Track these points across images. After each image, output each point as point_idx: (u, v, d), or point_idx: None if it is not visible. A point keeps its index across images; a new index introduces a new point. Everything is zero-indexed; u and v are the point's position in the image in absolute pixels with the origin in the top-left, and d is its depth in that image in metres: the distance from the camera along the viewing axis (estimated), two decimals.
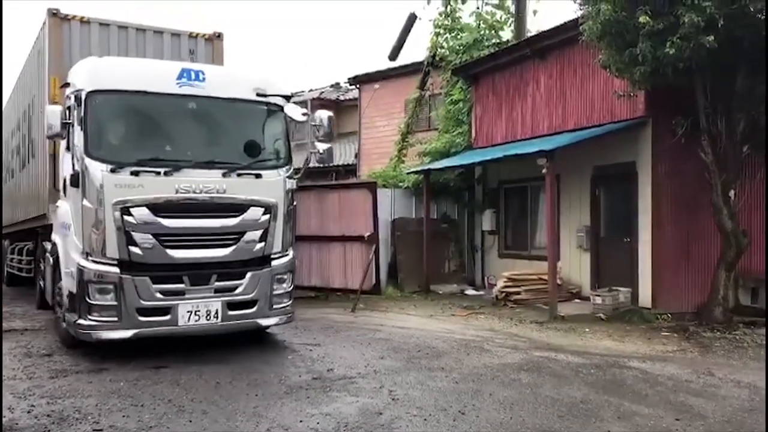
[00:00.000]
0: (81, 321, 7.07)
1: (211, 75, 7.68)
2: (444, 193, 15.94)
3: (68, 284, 7.44)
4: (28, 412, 5.53)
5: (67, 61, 8.76)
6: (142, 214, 6.99)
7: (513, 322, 10.76)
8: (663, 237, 11.37)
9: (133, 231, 6.99)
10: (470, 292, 14.66)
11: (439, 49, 18.30)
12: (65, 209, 7.75)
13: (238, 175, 7.52)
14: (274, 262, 7.82)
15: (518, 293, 12.53)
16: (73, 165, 7.15)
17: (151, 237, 7.06)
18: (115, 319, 7.00)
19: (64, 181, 7.67)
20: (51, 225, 8.90)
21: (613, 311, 11.17)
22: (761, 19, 8.99)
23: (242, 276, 7.58)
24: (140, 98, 7.37)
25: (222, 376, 6.73)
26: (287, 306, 8.03)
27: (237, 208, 7.45)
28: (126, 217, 6.95)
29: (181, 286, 7.28)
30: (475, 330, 10.07)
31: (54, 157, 8.96)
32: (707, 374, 7.26)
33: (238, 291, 7.56)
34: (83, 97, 7.14)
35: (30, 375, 6.79)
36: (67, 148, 7.54)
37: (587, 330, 10.09)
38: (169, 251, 7.15)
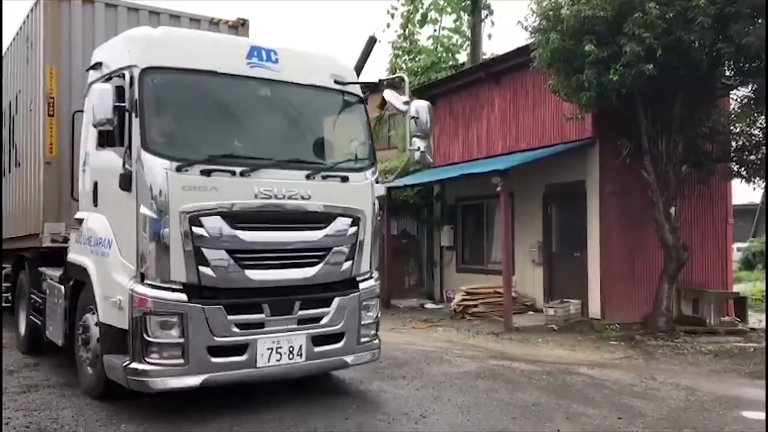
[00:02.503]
0: (135, 365, 5.42)
1: (284, 56, 6.17)
2: (403, 210, 16.45)
3: (110, 316, 5.77)
4: (6, 424, 5.69)
5: (65, 48, 7.43)
6: (215, 224, 5.52)
7: (470, 334, 11.23)
8: (610, 252, 12.03)
9: (204, 246, 5.49)
10: (430, 305, 15.12)
11: (397, 71, 18.90)
12: (99, 222, 6.08)
13: (323, 177, 6.11)
14: (361, 285, 6.37)
15: (476, 306, 13.02)
16: (124, 163, 5.53)
17: (225, 254, 5.57)
18: (181, 361, 5.43)
19: (95, 187, 6.18)
20: (45, 248, 7.41)
21: (565, 322, 11.75)
22: (695, 47, 9.75)
23: (328, 303, 6.13)
24: (207, 80, 5.85)
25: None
26: (375, 339, 6.56)
27: (323, 218, 6.07)
28: (196, 229, 5.46)
29: (261, 316, 5.77)
30: (434, 342, 10.50)
31: (54, 164, 7.38)
32: (649, 378, 7.82)
33: (324, 321, 6.08)
34: (136, 76, 5.57)
35: (2, 390, 6.89)
36: (100, 144, 6.06)
37: (540, 340, 10.63)
38: (248, 272, 5.67)
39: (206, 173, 5.51)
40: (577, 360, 9.03)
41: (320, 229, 6.04)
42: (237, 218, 5.61)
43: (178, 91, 5.83)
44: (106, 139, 5.95)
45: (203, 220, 5.47)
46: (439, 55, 19.19)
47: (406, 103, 6.49)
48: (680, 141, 10.97)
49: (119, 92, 5.60)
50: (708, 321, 12.06)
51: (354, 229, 6.22)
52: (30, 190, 8.04)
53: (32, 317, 8.32)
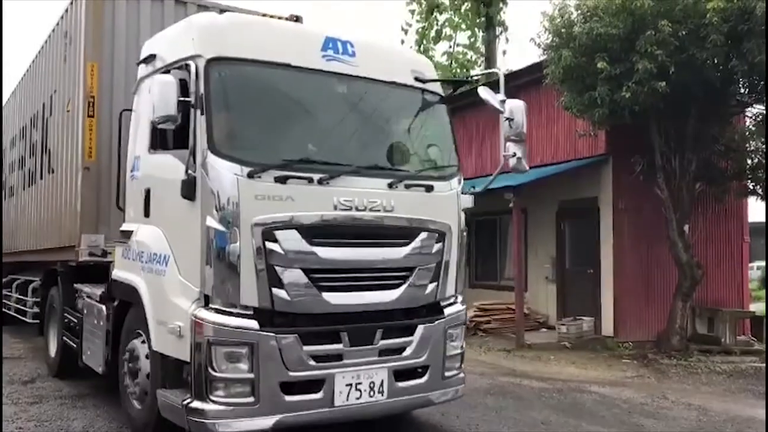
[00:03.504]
0: (198, 404, 4.61)
1: (361, 49, 5.45)
2: None
3: (165, 345, 4.96)
4: None
5: (108, 44, 6.81)
6: (291, 239, 4.76)
7: (482, 350, 11.18)
8: (624, 269, 11.96)
9: (278, 265, 4.70)
10: None
11: None
12: (153, 235, 5.29)
13: (407, 186, 5.33)
14: (446, 311, 5.54)
15: (488, 322, 12.97)
16: (187, 167, 4.77)
17: (302, 274, 4.78)
18: (251, 399, 4.63)
19: (147, 195, 5.42)
20: (82, 262, 6.70)
21: (578, 340, 11.67)
22: (708, 65, 9.74)
23: (411, 331, 5.30)
24: (280, 74, 5.11)
25: None
26: (460, 373, 5.69)
27: (407, 233, 5.29)
28: (270, 245, 4.68)
29: (339, 346, 4.95)
30: None
31: (93, 170, 6.72)
32: (661, 398, 7.75)
33: (407, 353, 5.27)
34: (201, 67, 4.82)
35: (15, 401, 6.98)
36: (154, 147, 5.39)
37: (552, 357, 10.56)
38: (325, 295, 4.88)
39: (281, 180, 4.74)
40: (588, 378, 8.96)
41: (403, 245, 5.26)
42: (315, 232, 4.86)
43: (247, 86, 5.06)
44: (161, 141, 5.30)
45: (278, 234, 4.71)
46: (454, 71, 19.28)
47: (503, 101, 5.64)
48: (694, 158, 10.93)
49: (182, 86, 4.89)
50: (723, 340, 11.93)
51: (439, 246, 5.42)
52: (65, 199, 7.34)
53: (65, 338, 7.46)
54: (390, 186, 5.23)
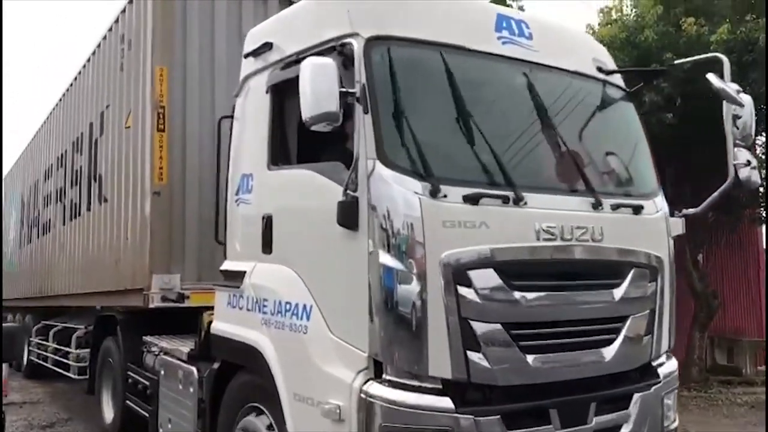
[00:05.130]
0: None
1: (538, 30, 4.23)
2: None
3: (312, 429, 3.59)
4: None
5: (179, 46, 5.76)
6: (489, 282, 3.46)
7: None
8: None
9: (473, 319, 3.40)
10: None
11: None
12: (280, 278, 3.97)
13: (613, 207, 4.00)
14: (660, 371, 4.22)
15: None
16: (346, 185, 3.44)
17: (502, 330, 3.47)
18: None
19: (268, 224, 4.09)
20: (155, 308, 5.50)
21: None
22: (715, 97, 9.81)
23: (626, 403, 3.97)
24: (453, 58, 3.78)
25: None
26: None
27: (619, 269, 4.00)
28: (462, 290, 3.38)
29: (548, 428, 3.61)
30: None
31: (165, 195, 5.58)
32: (682, 431, 7.63)
33: None
34: (360, 49, 3.55)
35: None
36: (275, 161, 4.14)
37: None
38: (530, 358, 3.55)
39: (472, 200, 3.46)
40: None
41: (615, 287, 3.93)
42: (515, 272, 3.54)
43: (417, 75, 3.75)
44: (288, 153, 4.08)
45: (473, 275, 3.40)
46: None
47: (740, 92, 4.38)
48: (705, 188, 10.91)
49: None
50: (744, 371, 11.76)
51: (652, 285, 4.12)
52: (125, 232, 6.18)
53: (130, 402, 6.14)
54: (594, 207, 3.90)
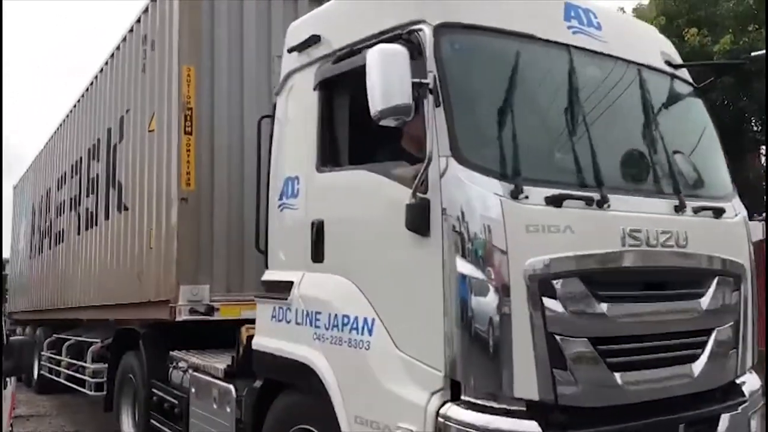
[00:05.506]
0: None
1: (605, 20, 3.98)
2: None
3: None
4: None
5: (207, 46, 5.51)
6: (575, 293, 3.15)
7: None
8: None
9: (559, 334, 3.07)
10: None
11: None
12: (337, 288, 3.65)
13: (694, 210, 3.73)
14: (745, 389, 3.89)
15: None
16: (417, 186, 3.12)
17: (588, 346, 3.15)
18: None
19: (319, 230, 3.77)
20: (183, 322, 5.19)
21: None
22: (719, 105, 10.03)
23: (714, 424, 3.65)
24: (523, 48, 3.54)
25: None
26: None
27: (703, 278, 3.73)
28: (548, 302, 3.07)
29: None
30: None
31: (192, 202, 5.28)
32: None
33: None
34: (429, 38, 3.26)
35: None
36: (325, 162, 3.81)
37: None
38: (617, 376, 3.22)
39: (555, 202, 3.13)
40: None
41: (700, 296, 3.63)
42: (600, 281, 3.23)
43: (488, 65, 3.53)
44: (341, 153, 3.76)
45: (557, 285, 3.08)
46: None
47: None
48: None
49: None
50: None
51: (736, 295, 3.84)
52: (149, 241, 5.88)
53: (155, 422, 5.70)
54: (677, 210, 3.61)
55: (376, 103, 3.00)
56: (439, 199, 3.05)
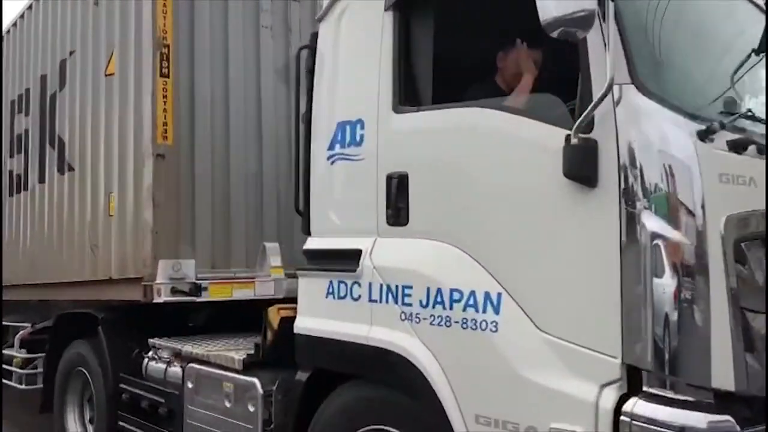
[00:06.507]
0: None
1: None
2: None
3: None
4: None
5: None
6: (762, 258, 2.56)
7: None
8: None
9: (750, 308, 2.47)
10: None
11: None
12: (439, 257, 2.90)
13: None
14: None
15: None
16: (578, 126, 2.39)
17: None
18: None
19: (397, 185, 3.03)
20: (152, 304, 4.39)
21: None
22: None
23: None
24: None
25: None
26: None
27: None
28: (740, 269, 2.45)
29: None
30: None
31: (171, 159, 4.42)
32: None
33: None
34: None
35: None
36: (407, 102, 3.08)
37: None
38: None
39: (739, 147, 2.54)
40: None
41: None
42: None
43: None
44: (433, 90, 3.06)
45: (747, 249, 2.53)
46: None
47: None
48: None
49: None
50: None
51: None
52: (106, 206, 4.99)
53: (130, 425, 4.82)
54: None
55: (548, 9, 2.28)
56: (614, 137, 2.38)
